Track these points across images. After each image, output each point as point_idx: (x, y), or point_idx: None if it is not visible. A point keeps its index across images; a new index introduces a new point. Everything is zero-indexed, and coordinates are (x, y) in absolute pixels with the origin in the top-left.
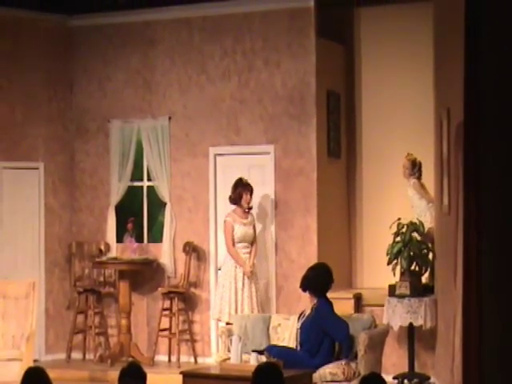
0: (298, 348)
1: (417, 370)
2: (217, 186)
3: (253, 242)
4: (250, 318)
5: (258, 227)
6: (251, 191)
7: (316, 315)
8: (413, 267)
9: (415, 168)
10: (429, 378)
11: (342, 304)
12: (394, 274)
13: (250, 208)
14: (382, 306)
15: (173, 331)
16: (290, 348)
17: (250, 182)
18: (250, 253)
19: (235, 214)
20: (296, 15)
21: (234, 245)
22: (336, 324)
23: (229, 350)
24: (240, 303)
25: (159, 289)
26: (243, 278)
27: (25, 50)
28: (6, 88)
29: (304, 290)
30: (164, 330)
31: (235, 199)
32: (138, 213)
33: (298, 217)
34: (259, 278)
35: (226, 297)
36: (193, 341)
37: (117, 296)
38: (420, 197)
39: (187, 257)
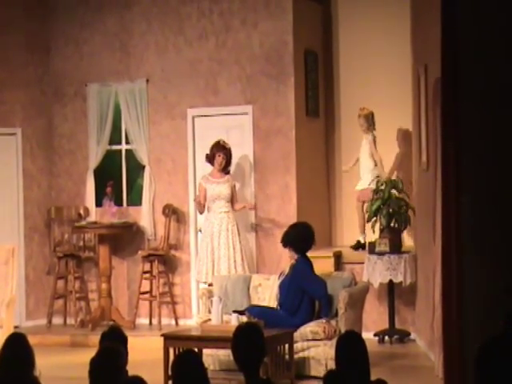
0: (278, 307)
1: (397, 326)
2: (195, 147)
3: (232, 199)
4: (230, 278)
5: (238, 187)
6: (225, 153)
7: (293, 273)
8: (392, 224)
9: (369, 120)
10: (409, 334)
11: (322, 262)
12: (374, 232)
13: (225, 171)
14: (362, 263)
15: (153, 294)
16: (271, 308)
17: (228, 142)
18: (227, 212)
19: (209, 176)
20: None
21: (204, 202)
22: (313, 282)
23: (209, 312)
24: (216, 262)
25: (139, 252)
26: (219, 238)
27: (1, 14)
28: None
29: (284, 246)
30: (145, 292)
31: (209, 158)
32: (117, 176)
33: (277, 176)
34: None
35: (203, 257)
36: (173, 303)
37: (97, 260)
38: (370, 154)
39: (167, 219)
